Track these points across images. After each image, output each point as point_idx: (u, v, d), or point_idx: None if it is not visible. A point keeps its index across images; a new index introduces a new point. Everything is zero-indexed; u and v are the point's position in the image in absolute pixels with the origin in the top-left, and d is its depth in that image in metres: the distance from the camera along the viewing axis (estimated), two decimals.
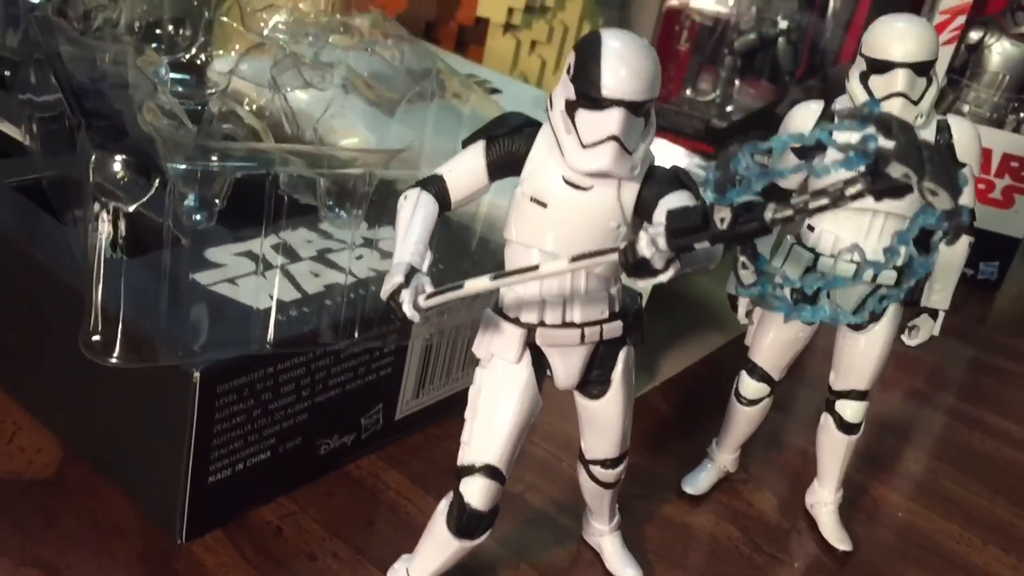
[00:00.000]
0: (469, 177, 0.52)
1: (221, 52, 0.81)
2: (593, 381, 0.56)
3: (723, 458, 0.75)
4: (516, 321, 0.53)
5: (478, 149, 0.52)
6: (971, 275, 1.20)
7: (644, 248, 0.42)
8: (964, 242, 0.64)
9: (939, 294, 0.66)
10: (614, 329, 0.54)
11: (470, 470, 0.54)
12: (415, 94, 0.75)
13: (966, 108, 1.18)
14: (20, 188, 0.69)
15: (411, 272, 0.48)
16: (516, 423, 0.54)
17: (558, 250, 0.50)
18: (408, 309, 0.47)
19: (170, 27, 0.82)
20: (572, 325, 0.53)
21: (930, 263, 0.38)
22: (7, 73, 0.83)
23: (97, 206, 0.55)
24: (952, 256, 0.65)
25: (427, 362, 0.71)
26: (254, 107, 0.76)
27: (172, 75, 0.77)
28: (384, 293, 0.48)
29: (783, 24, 1.35)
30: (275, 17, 0.80)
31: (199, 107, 0.76)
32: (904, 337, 0.68)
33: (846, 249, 0.57)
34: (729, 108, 1.40)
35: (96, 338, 0.55)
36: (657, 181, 0.50)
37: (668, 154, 1.08)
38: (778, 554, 0.70)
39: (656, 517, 0.72)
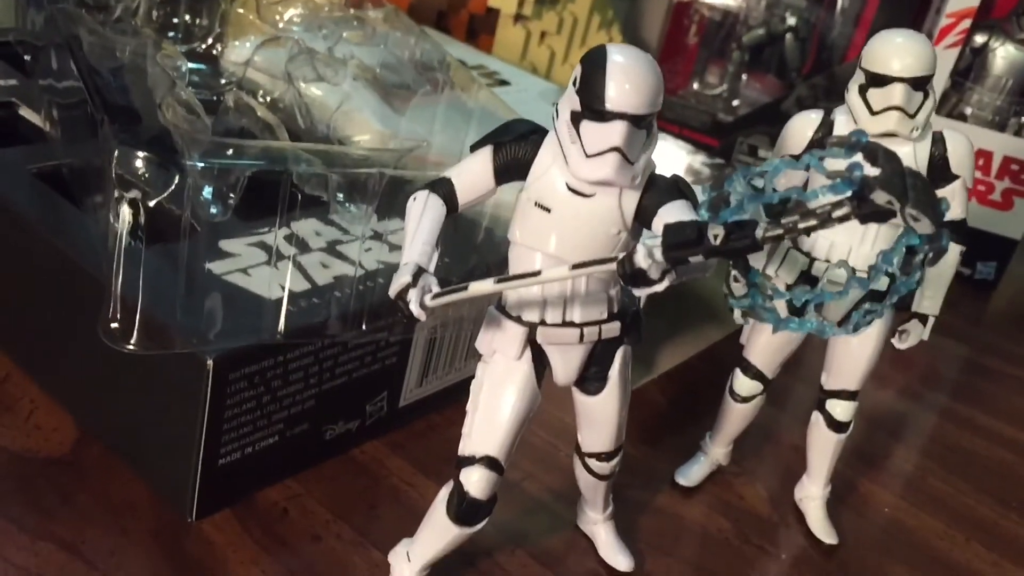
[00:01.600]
0: (476, 181, 0.54)
1: (236, 43, 0.83)
2: (591, 378, 0.58)
3: (716, 451, 0.78)
4: (518, 319, 0.55)
5: (486, 154, 0.54)
6: (968, 274, 1.22)
7: (641, 260, 0.44)
8: (955, 251, 0.66)
9: (929, 300, 0.68)
10: (612, 329, 0.56)
11: (470, 460, 0.56)
12: (425, 92, 0.77)
13: (968, 111, 1.19)
14: (40, 175, 0.71)
15: (418, 272, 0.51)
16: (516, 417, 0.56)
17: (560, 253, 0.52)
18: (415, 308, 0.50)
19: (187, 17, 0.84)
20: (572, 324, 0.55)
21: (911, 283, 0.40)
22: (27, 58, 0.84)
23: (118, 198, 0.57)
24: (943, 264, 0.66)
25: (431, 352, 0.74)
26: (268, 99, 0.78)
27: (189, 65, 0.79)
28: (392, 292, 0.50)
29: (791, 21, 1.36)
30: (290, 10, 0.82)
31: (215, 97, 0.78)
32: (894, 341, 0.70)
33: (834, 264, 0.59)
34: (736, 102, 1.42)
35: (114, 325, 0.57)
36: (657, 190, 0.52)
37: (675, 150, 1.10)
38: (766, 546, 0.73)
39: (649, 507, 0.74)
